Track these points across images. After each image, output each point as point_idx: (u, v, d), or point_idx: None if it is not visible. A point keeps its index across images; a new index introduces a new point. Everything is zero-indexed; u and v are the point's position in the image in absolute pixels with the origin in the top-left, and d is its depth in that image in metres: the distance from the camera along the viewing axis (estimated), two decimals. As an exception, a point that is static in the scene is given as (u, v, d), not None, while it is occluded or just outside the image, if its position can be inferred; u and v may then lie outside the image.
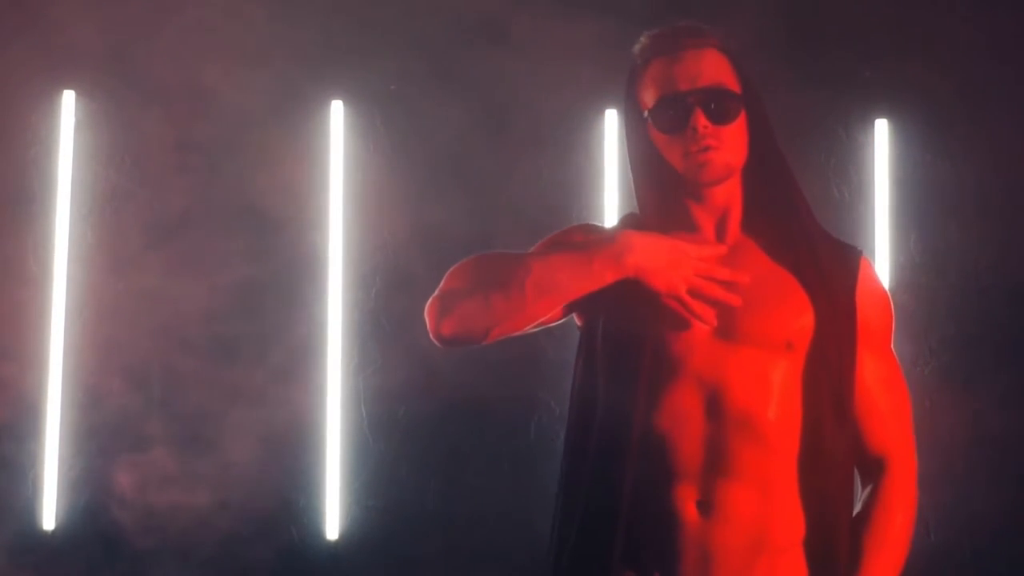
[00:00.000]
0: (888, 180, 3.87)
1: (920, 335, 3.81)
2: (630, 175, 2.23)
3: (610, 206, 3.86)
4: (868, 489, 2.16)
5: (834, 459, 2.06)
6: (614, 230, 2.13)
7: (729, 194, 2.14)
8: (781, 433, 2.04)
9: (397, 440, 3.85)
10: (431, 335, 2.09)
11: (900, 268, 3.84)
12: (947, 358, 3.81)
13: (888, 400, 2.16)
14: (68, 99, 3.86)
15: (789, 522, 2.05)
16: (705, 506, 2.03)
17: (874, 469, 2.15)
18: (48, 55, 3.84)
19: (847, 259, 2.17)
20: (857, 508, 2.15)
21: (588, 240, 2.07)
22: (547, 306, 2.04)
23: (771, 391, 2.04)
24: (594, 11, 3.81)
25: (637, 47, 2.14)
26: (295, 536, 3.82)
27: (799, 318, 2.06)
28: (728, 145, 2.08)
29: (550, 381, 3.73)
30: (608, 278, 2.00)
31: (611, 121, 3.89)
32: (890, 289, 3.81)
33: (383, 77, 3.93)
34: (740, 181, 2.15)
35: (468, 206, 3.83)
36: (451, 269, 2.16)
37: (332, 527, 3.81)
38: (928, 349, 3.81)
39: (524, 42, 3.87)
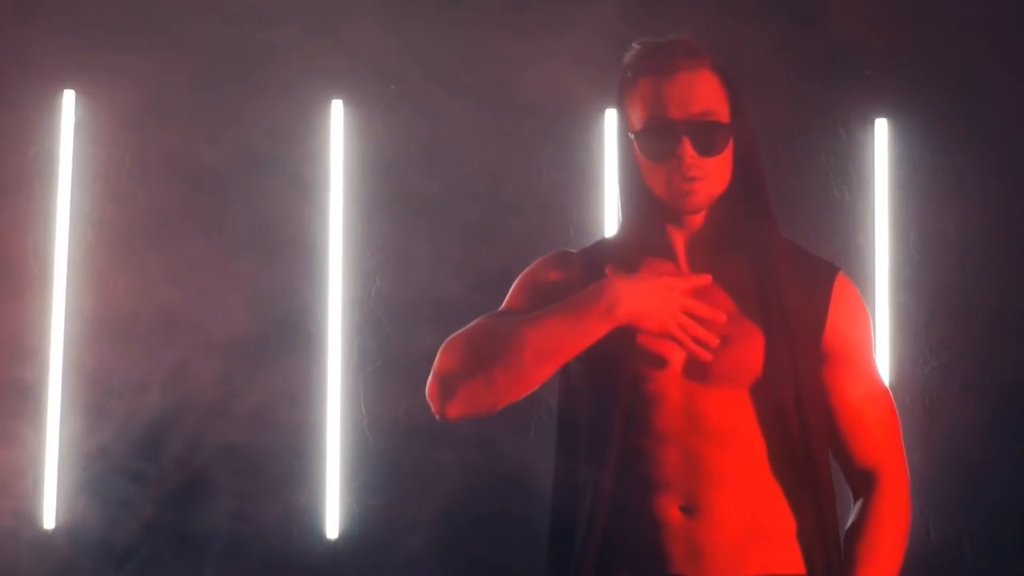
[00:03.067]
0: (888, 180, 3.87)
1: (920, 335, 3.81)
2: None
3: (610, 206, 3.86)
4: (860, 502, 2.14)
5: (807, 455, 2.07)
6: (597, 281, 2.06)
7: (701, 221, 2.12)
8: (754, 441, 2.06)
9: (397, 440, 3.85)
10: (436, 416, 2.09)
11: (900, 268, 3.84)
12: (947, 358, 3.81)
13: (873, 415, 2.14)
14: (68, 99, 3.86)
15: (777, 515, 2.06)
16: (688, 510, 2.04)
17: (865, 483, 2.14)
18: (48, 55, 3.84)
19: (820, 280, 2.13)
20: (850, 520, 2.14)
21: (576, 299, 2.03)
22: (548, 371, 2.06)
23: (748, 415, 2.05)
24: (595, 10, 3.82)
25: (627, 57, 2.10)
26: (295, 536, 3.82)
27: (759, 356, 2.05)
28: (713, 175, 2.05)
29: (550, 381, 3.72)
30: (603, 331, 2.01)
31: (611, 121, 3.89)
32: (890, 289, 3.83)
33: (383, 77, 3.93)
34: (707, 210, 2.12)
35: (468, 206, 3.83)
36: (443, 346, 2.12)
37: (332, 527, 3.81)
38: (928, 349, 3.81)
39: (524, 42, 3.87)
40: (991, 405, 3.76)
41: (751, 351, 2.05)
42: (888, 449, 2.15)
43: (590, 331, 2.01)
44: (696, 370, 2.05)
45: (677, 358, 2.05)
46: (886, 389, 2.19)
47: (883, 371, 3.76)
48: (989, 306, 3.80)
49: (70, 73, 3.86)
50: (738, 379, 2.05)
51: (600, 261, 2.13)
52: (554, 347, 2.03)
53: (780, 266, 2.11)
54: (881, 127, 3.88)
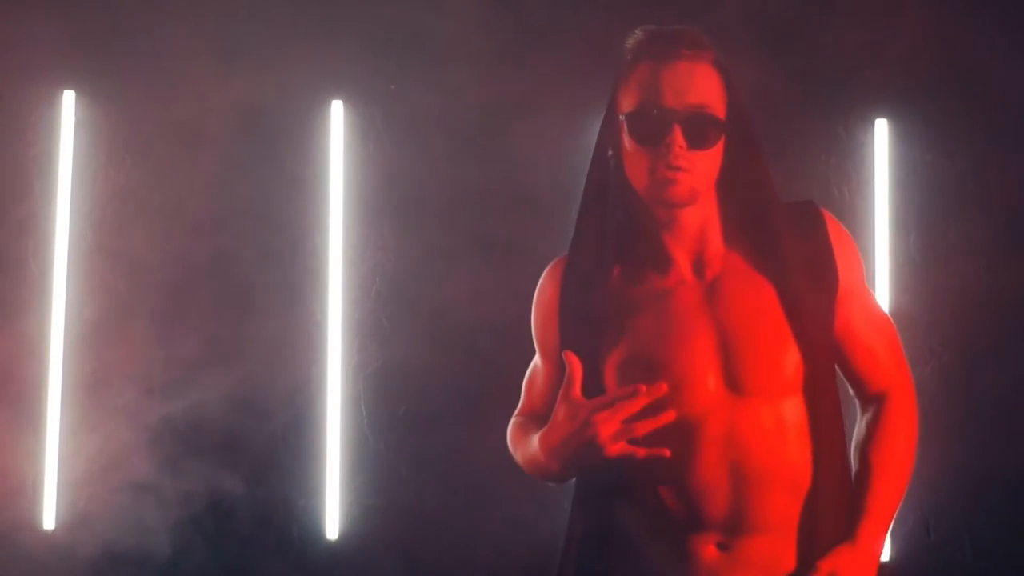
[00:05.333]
0: (888, 180, 3.86)
1: (920, 335, 3.80)
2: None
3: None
4: (869, 413, 2.16)
5: (840, 494, 2.08)
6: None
7: (704, 216, 2.09)
8: (799, 478, 2.04)
9: (397, 440, 3.85)
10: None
11: (900, 268, 3.84)
12: (947, 358, 3.81)
13: (879, 338, 2.16)
14: (68, 99, 3.86)
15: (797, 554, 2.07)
16: (725, 547, 2.03)
17: (876, 401, 2.16)
18: (48, 55, 3.84)
19: (814, 228, 2.11)
20: (860, 431, 2.16)
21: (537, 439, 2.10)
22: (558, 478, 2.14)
23: (787, 439, 2.03)
24: (595, 10, 3.82)
25: (630, 41, 2.08)
26: (295, 536, 3.82)
27: (790, 358, 2.03)
28: (698, 170, 2.02)
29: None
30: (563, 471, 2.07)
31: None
32: (890, 289, 3.82)
33: (383, 77, 3.93)
34: (716, 200, 2.10)
35: (468, 206, 3.83)
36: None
37: (332, 527, 3.81)
38: (928, 349, 3.81)
39: (524, 42, 3.87)
40: (991, 405, 3.76)
41: (777, 354, 2.03)
42: (896, 368, 2.17)
43: (553, 472, 2.09)
44: (733, 384, 2.02)
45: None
46: (882, 309, 2.21)
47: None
48: (989, 307, 3.80)
49: (70, 73, 3.87)
50: (780, 386, 2.03)
51: (597, 267, 2.13)
52: (541, 472, 2.13)
53: (790, 255, 2.07)
54: (881, 127, 3.87)
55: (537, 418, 2.21)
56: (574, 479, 2.16)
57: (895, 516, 2.12)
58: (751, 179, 2.09)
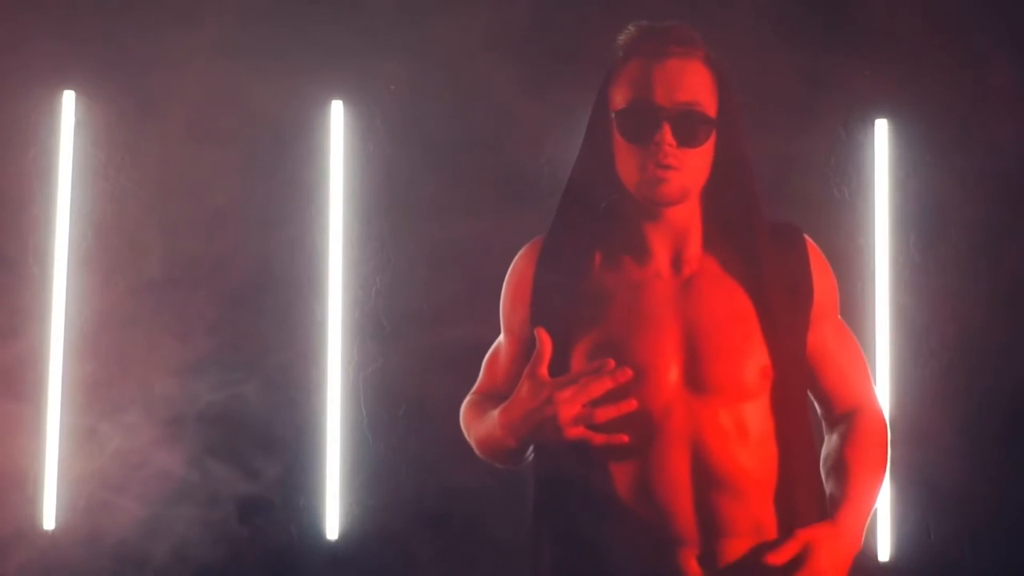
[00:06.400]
0: (888, 180, 3.86)
1: (920, 335, 3.81)
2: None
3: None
4: (839, 429, 2.17)
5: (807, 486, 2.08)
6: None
7: (688, 216, 2.09)
8: (761, 482, 2.03)
9: (397, 440, 3.85)
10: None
11: (900, 268, 3.84)
12: (947, 358, 3.81)
13: (851, 362, 2.19)
14: (68, 99, 3.86)
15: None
16: (706, 559, 2.02)
17: (843, 420, 2.18)
18: (48, 55, 3.84)
19: (793, 247, 2.14)
20: (829, 443, 2.17)
21: (496, 415, 2.10)
22: (509, 461, 2.16)
23: (748, 442, 2.02)
24: (596, 10, 3.82)
25: (622, 37, 2.09)
26: (295, 536, 3.82)
27: (754, 362, 2.03)
28: (689, 168, 2.02)
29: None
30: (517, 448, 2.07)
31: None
32: (890, 290, 3.82)
33: (383, 77, 3.93)
34: (700, 202, 2.10)
35: (469, 206, 3.83)
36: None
37: (332, 527, 3.81)
38: (928, 349, 3.81)
39: (524, 42, 3.87)
40: (991, 405, 3.76)
41: (746, 355, 2.03)
42: (864, 389, 2.20)
43: (509, 455, 2.11)
44: (693, 381, 2.02)
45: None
46: (852, 334, 2.23)
47: (883, 371, 3.76)
48: (989, 307, 3.80)
49: (70, 73, 3.86)
50: (739, 389, 2.02)
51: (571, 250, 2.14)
52: (495, 450, 2.13)
53: (767, 266, 2.08)
54: (881, 127, 3.87)
55: (496, 396, 2.20)
56: (533, 486, 2.15)
57: (872, 512, 2.11)
58: (735, 189, 2.10)
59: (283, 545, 3.81)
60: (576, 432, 1.95)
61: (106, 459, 3.77)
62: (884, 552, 3.75)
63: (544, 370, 1.98)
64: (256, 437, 3.78)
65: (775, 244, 2.11)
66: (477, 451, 2.21)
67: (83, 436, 3.78)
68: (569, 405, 1.94)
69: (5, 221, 3.83)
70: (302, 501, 3.82)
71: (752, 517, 2.02)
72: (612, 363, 1.94)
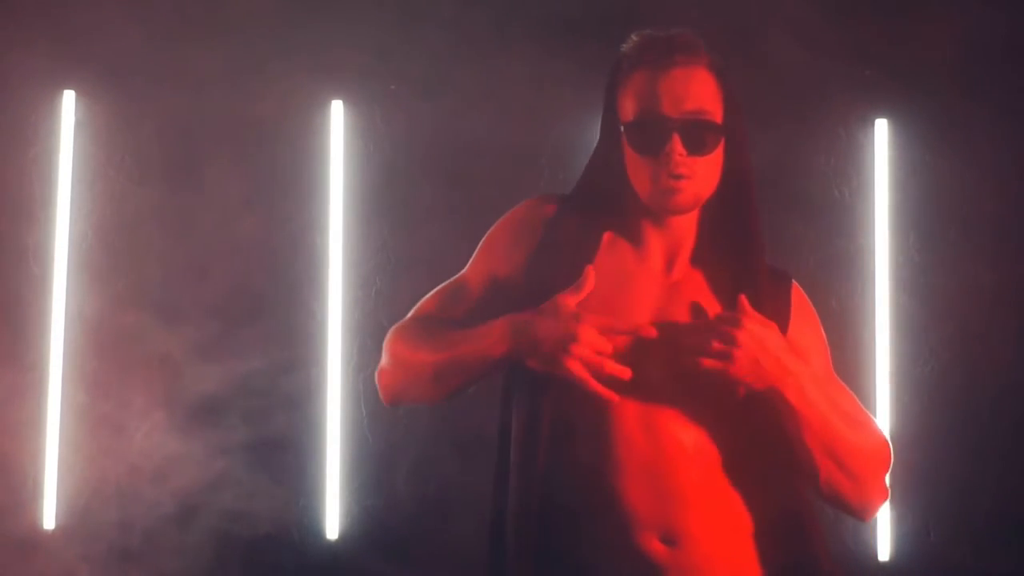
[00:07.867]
0: (888, 180, 3.86)
1: (920, 335, 3.81)
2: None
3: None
4: None
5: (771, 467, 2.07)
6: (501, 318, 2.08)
7: (687, 228, 2.12)
8: (721, 486, 2.04)
9: (397, 440, 3.85)
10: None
11: (900, 268, 3.84)
12: (947, 358, 3.81)
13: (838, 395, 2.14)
14: (68, 99, 3.86)
15: (738, 521, 2.06)
16: (668, 540, 2.03)
17: None
18: (48, 55, 3.84)
19: (780, 293, 2.14)
20: None
21: (475, 331, 2.08)
22: (457, 388, 2.19)
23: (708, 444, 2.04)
24: (598, 9, 3.81)
25: (625, 47, 2.10)
26: (295, 536, 3.82)
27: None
28: (701, 176, 2.03)
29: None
30: (488, 369, 2.09)
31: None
32: (890, 289, 3.82)
33: (383, 77, 3.93)
34: (698, 217, 2.12)
35: (468, 206, 3.83)
36: (389, 336, 2.30)
37: (332, 527, 3.81)
38: (928, 349, 3.81)
39: (524, 42, 3.87)
40: (991, 405, 3.76)
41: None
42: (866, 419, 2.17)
43: (477, 368, 2.09)
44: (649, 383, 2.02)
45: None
46: (851, 393, 2.18)
47: (883, 371, 3.76)
48: (989, 307, 3.80)
49: (70, 73, 3.86)
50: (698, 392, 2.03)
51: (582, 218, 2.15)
52: (453, 374, 2.13)
53: (760, 277, 2.10)
54: (881, 127, 3.87)
55: (450, 322, 2.18)
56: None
57: (833, 440, 2.04)
58: (734, 211, 2.11)
59: (283, 545, 3.80)
60: (575, 367, 1.96)
61: (106, 459, 3.77)
62: (884, 552, 3.75)
63: (575, 302, 2.00)
64: (256, 437, 3.78)
65: (765, 295, 2.11)
66: (422, 368, 2.17)
67: (83, 436, 3.78)
68: (588, 345, 1.95)
69: (5, 221, 3.83)
70: (302, 501, 3.82)
71: (712, 515, 2.03)
72: (646, 326, 1.98)
